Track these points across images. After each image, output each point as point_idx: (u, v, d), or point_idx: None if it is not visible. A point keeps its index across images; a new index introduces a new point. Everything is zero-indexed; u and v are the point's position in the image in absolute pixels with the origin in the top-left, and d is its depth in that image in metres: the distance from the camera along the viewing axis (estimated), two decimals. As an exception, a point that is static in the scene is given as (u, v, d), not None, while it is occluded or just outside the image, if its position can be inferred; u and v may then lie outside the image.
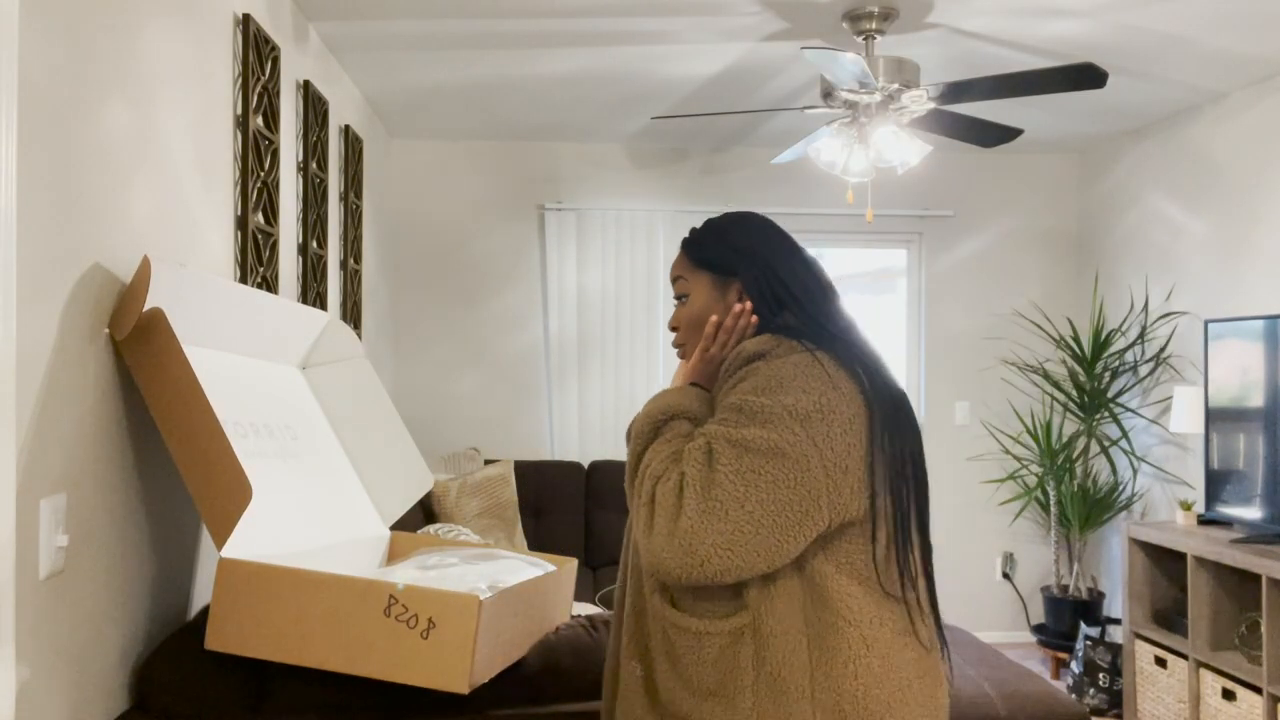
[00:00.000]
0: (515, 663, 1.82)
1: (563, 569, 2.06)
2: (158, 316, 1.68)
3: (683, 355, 1.56)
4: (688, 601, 1.40)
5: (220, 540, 1.62)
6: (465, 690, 1.55)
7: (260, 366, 2.20)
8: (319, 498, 2.15)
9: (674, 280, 1.56)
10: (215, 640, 1.64)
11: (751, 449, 1.30)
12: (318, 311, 2.39)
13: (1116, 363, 4.77)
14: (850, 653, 1.33)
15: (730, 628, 1.36)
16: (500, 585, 1.78)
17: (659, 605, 1.42)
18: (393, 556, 2.36)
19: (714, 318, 1.48)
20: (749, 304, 1.47)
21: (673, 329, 1.56)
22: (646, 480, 1.37)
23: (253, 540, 1.78)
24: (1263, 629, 3.29)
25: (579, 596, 3.84)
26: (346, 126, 3.79)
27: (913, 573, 1.40)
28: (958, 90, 3.16)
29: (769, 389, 1.33)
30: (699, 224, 1.57)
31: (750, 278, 1.49)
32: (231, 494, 1.60)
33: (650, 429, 1.43)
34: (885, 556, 1.37)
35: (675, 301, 1.56)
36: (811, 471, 1.30)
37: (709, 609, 1.38)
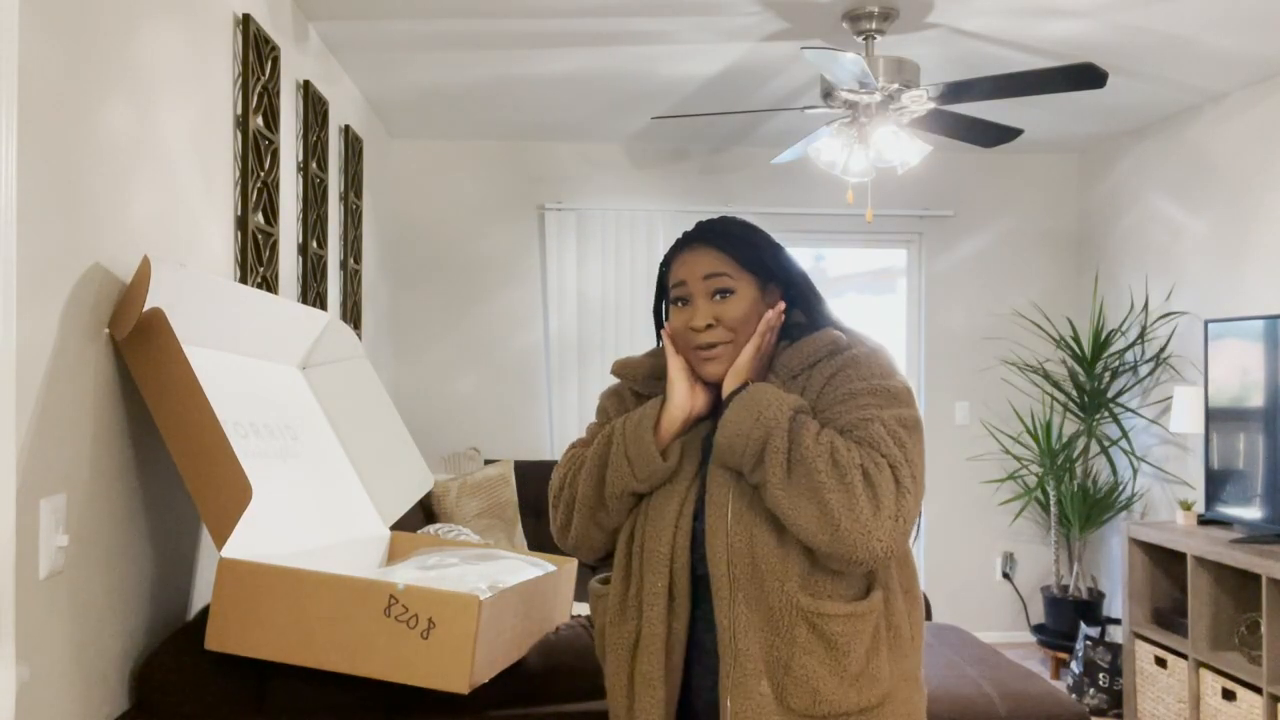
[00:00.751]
0: (515, 663, 1.82)
1: (563, 569, 2.06)
2: (158, 316, 1.68)
3: (712, 354, 1.48)
4: (828, 588, 1.40)
5: (220, 540, 1.62)
6: (465, 690, 1.55)
7: (260, 366, 2.20)
8: (319, 498, 2.15)
9: (712, 276, 1.48)
10: (215, 640, 1.64)
11: (916, 427, 1.42)
12: (318, 311, 2.39)
13: (1116, 363, 4.77)
14: (917, 597, 1.49)
15: (877, 601, 1.42)
16: (500, 585, 1.78)
17: (808, 603, 1.39)
18: (393, 556, 2.36)
19: (769, 315, 1.48)
20: (783, 305, 1.51)
21: (708, 326, 1.48)
22: (850, 468, 1.35)
23: (253, 540, 1.78)
24: (1263, 629, 3.29)
25: (579, 596, 3.84)
26: (346, 126, 3.79)
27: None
28: (958, 90, 3.16)
29: (890, 372, 1.46)
30: (713, 220, 1.56)
31: (792, 283, 1.55)
32: (231, 494, 1.60)
33: (799, 421, 1.41)
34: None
35: (716, 297, 1.49)
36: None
37: (849, 591, 1.42)
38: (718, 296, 1.48)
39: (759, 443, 1.38)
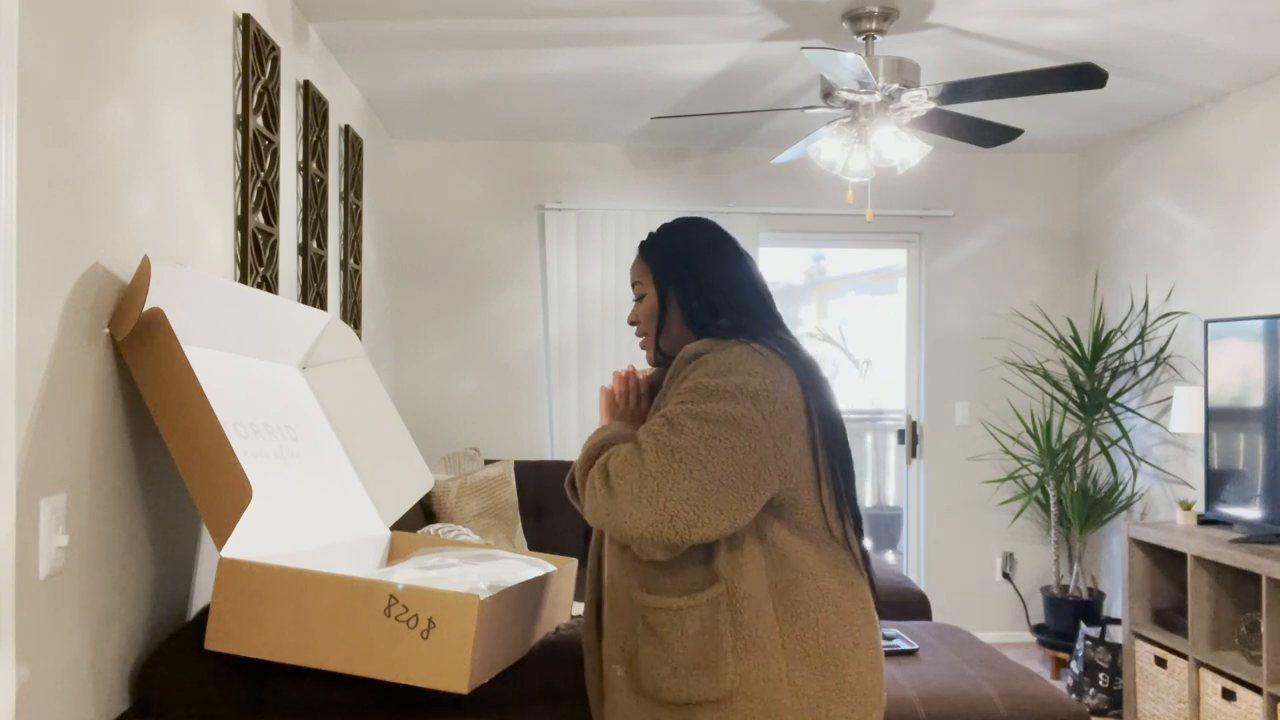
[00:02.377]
0: (515, 663, 1.82)
1: (562, 569, 2.06)
2: (158, 316, 1.68)
3: (644, 345, 1.73)
4: (665, 583, 1.53)
5: (220, 540, 1.62)
6: (465, 690, 1.55)
7: (260, 366, 2.20)
8: (319, 497, 2.15)
9: (633, 283, 1.73)
10: (215, 640, 1.64)
11: (711, 419, 1.44)
12: (318, 311, 2.39)
13: (1116, 363, 4.77)
14: (810, 604, 1.51)
15: (708, 598, 1.50)
16: (500, 585, 1.78)
17: (638, 595, 1.55)
18: (393, 556, 2.36)
19: (614, 383, 1.69)
20: (631, 366, 1.71)
21: (632, 323, 1.73)
22: (595, 469, 1.49)
23: (253, 540, 1.78)
24: (1263, 629, 3.29)
25: (579, 596, 3.84)
26: (346, 126, 3.79)
27: (849, 530, 1.59)
28: (958, 90, 3.16)
29: (720, 372, 1.49)
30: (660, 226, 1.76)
31: (687, 289, 1.66)
32: (231, 494, 1.60)
33: (597, 450, 1.56)
34: (833, 516, 1.55)
35: (636, 300, 1.72)
36: (762, 440, 1.46)
37: (685, 586, 1.52)
38: (637, 300, 1.73)
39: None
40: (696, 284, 1.66)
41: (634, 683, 1.56)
